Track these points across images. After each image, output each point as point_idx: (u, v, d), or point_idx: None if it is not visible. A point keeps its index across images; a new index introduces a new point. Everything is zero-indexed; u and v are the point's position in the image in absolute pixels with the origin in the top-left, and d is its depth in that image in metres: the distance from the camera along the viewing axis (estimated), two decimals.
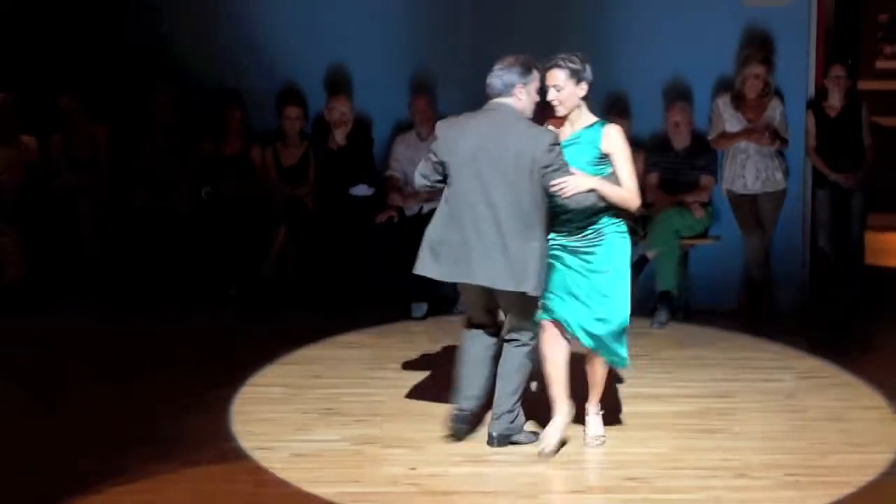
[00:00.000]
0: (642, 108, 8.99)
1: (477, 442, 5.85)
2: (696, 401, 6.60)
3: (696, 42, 8.87)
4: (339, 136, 8.81)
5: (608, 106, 8.48)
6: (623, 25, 8.88)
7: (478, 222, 5.71)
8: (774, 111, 8.73)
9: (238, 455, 5.84)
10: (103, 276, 9.22)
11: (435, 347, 7.63)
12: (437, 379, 6.78)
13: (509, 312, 5.95)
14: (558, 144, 5.65)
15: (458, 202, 5.75)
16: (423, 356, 7.47)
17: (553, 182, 5.60)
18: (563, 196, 5.61)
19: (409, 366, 7.17)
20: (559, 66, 5.72)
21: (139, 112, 9.52)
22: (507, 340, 6.00)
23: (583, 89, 5.77)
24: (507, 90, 5.74)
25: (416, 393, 6.74)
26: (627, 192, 5.71)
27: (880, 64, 12.67)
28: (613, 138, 5.76)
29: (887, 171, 9.98)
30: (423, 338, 7.91)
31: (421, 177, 5.93)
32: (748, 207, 8.75)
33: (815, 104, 8.81)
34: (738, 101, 8.69)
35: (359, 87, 9.11)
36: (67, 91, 9.52)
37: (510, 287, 5.69)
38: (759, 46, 8.86)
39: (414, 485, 5.24)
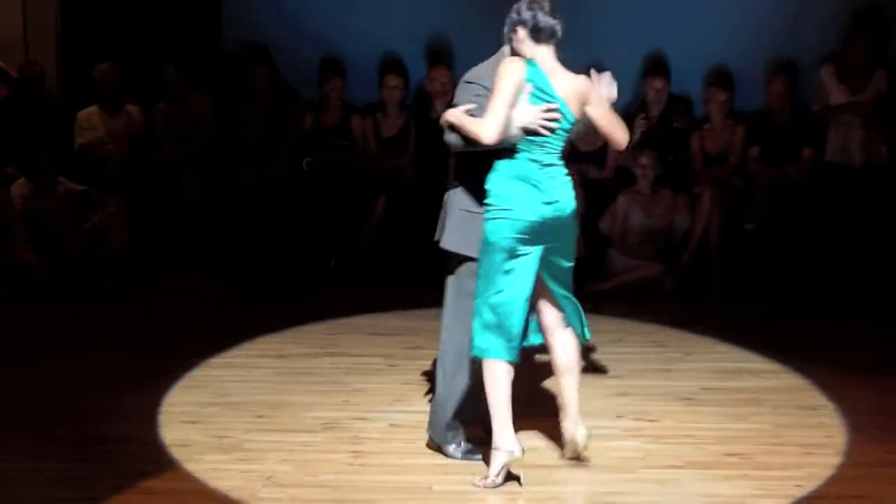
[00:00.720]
0: (745, 81, 9.02)
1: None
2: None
3: (800, 17, 8.98)
4: (440, 106, 8.93)
5: (710, 76, 8.74)
6: None
7: None
8: (880, 82, 8.56)
9: (337, 425, 5.97)
10: (205, 246, 9.44)
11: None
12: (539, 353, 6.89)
13: None
14: (470, 82, 5.35)
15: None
16: None
17: None
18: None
19: None
20: None
21: (239, 83, 9.82)
22: None
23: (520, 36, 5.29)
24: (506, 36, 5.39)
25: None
26: (476, 122, 5.18)
27: None
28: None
29: None
30: None
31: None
32: (850, 180, 8.63)
33: None
34: (843, 72, 8.56)
35: (459, 58, 9.22)
36: (171, 61, 9.77)
37: None
38: (867, 15, 8.75)
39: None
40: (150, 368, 6.84)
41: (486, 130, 5.10)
